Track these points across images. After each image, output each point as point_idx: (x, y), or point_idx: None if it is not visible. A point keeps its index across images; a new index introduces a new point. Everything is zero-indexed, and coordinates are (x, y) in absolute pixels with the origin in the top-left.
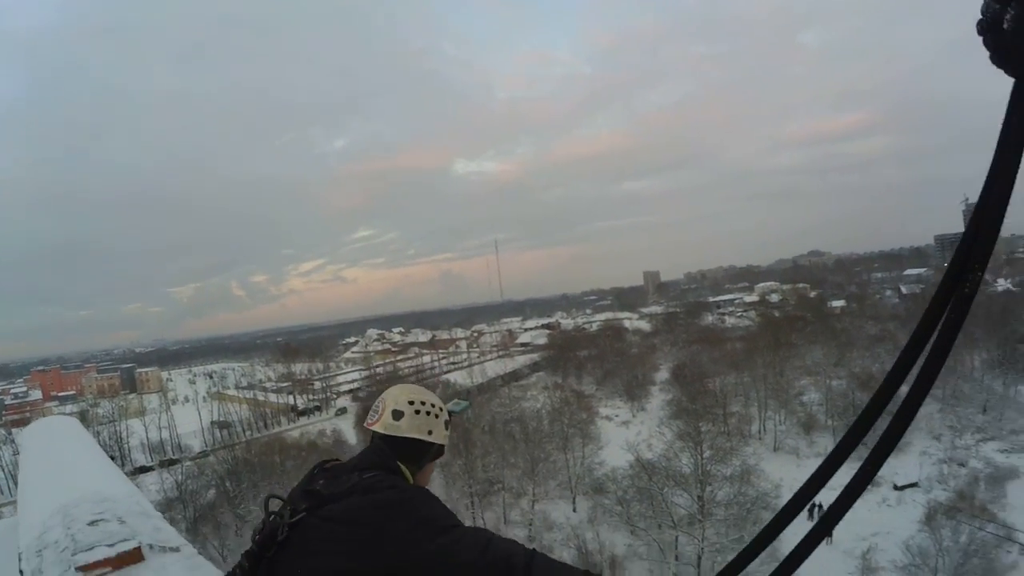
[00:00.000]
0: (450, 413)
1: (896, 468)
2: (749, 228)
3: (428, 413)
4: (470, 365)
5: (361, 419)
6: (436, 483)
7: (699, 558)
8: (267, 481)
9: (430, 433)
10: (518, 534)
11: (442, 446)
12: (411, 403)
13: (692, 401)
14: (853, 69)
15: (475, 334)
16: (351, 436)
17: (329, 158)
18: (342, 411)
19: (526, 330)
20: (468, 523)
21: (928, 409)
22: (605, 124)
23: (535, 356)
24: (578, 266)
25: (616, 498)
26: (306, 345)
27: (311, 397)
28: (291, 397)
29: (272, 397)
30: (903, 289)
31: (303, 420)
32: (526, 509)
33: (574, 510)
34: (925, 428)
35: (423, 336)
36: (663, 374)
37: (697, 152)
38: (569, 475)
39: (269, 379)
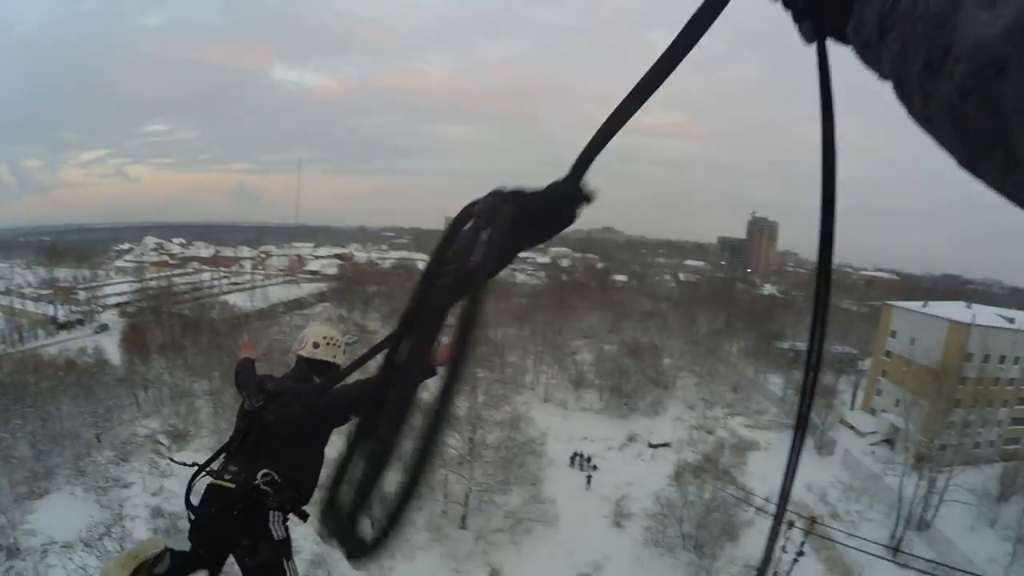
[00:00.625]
0: (347, 344)
1: (651, 428)
2: None
3: (335, 345)
4: (253, 288)
5: (128, 337)
6: (204, 411)
7: (467, 496)
8: (19, 405)
9: (335, 358)
10: None
11: (339, 365)
12: (324, 337)
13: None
14: (686, 77)
15: (262, 255)
16: (115, 355)
17: (138, 34)
18: (103, 328)
19: (317, 258)
20: None
21: (686, 381)
22: (439, 64)
23: (323, 286)
24: (380, 200)
25: None
26: (74, 248)
27: (74, 308)
28: (52, 307)
29: (31, 306)
30: (681, 276)
31: (63, 335)
32: None
33: None
34: (681, 397)
35: (206, 251)
36: (448, 319)
37: (518, 112)
38: None
39: (29, 284)
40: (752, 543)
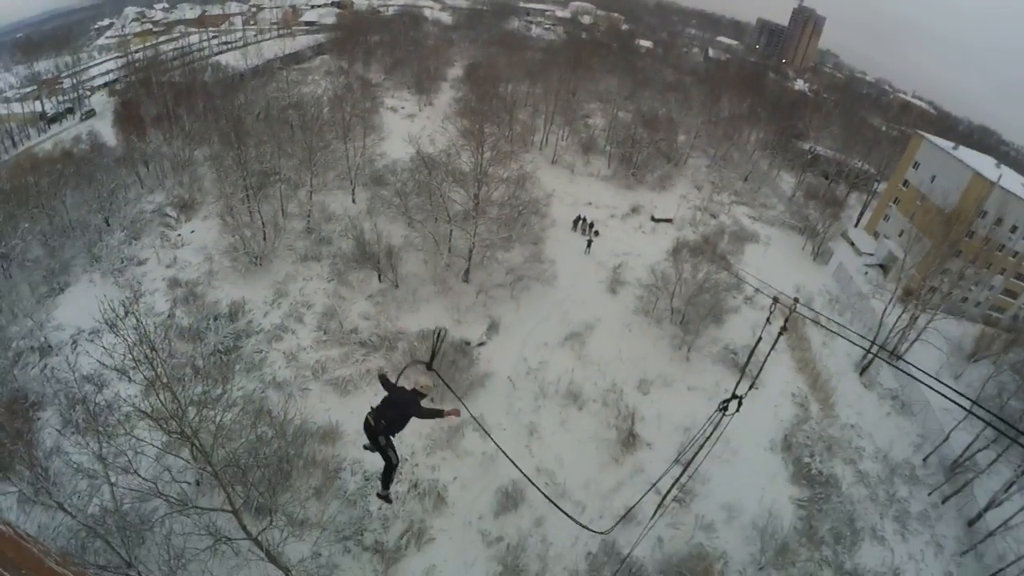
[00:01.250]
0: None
1: (656, 202)
2: None
3: (426, 388)
4: (245, 45)
5: (121, 115)
6: (207, 178)
7: (470, 251)
8: (23, 209)
9: (422, 388)
10: (296, 226)
11: (423, 395)
12: (423, 386)
13: (481, 102)
14: None
15: (253, 9)
16: (110, 137)
17: None
18: (90, 114)
19: (313, 7)
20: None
21: (698, 162)
22: None
23: (320, 37)
24: None
25: (395, 190)
26: (52, 36)
27: (61, 99)
28: (38, 103)
29: (16, 108)
30: (710, 52)
31: (55, 128)
32: (304, 200)
33: (353, 201)
34: (691, 176)
35: (191, 12)
36: (456, 71)
37: None
38: (349, 166)
39: (11, 87)
40: (735, 328)
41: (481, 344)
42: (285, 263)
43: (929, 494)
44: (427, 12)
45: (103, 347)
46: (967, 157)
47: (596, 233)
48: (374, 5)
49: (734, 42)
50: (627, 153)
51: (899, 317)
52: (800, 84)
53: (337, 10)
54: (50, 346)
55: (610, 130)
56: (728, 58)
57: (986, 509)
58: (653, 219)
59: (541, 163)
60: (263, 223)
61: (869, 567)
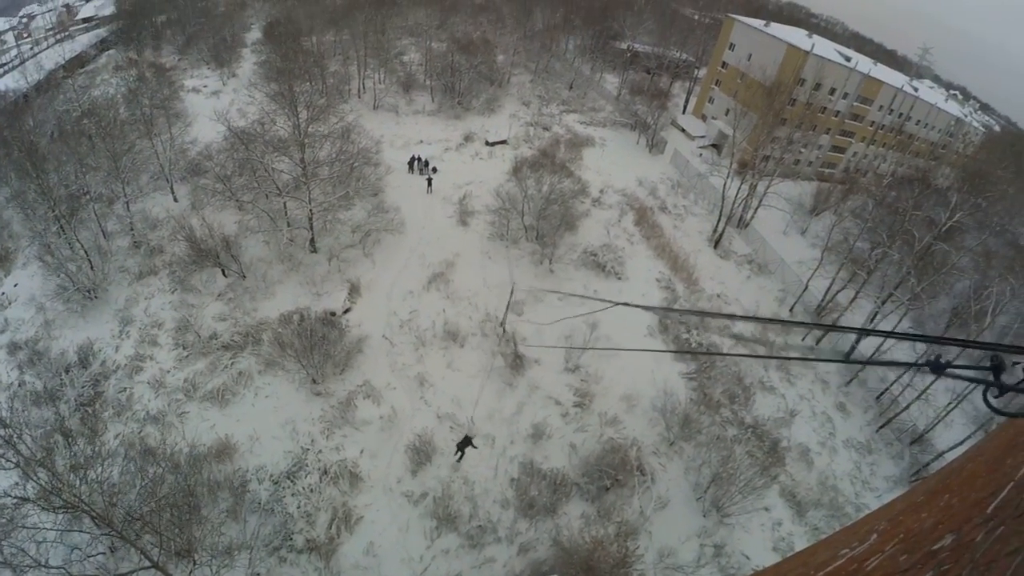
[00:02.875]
0: None
1: (487, 127)
2: None
3: None
4: (22, 63)
5: None
6: (15, 221)
7: (310, 219)
8: None
9: None
10: (121, 244)
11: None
12: None
13: (287, 61)
14: None
15: (24, 20)
16: None
17: None
18: None
19: (88, 1)
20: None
21: (521, 79)
22: None
23: (102, 32)
24: None
25: (216, 176)
26: None
27: None
28: None
29: None
30: None
31: None
32: (123, 214)
33: (175, 200)
34: (516, 95)
35: None
36: (255, 34)
37: None
38: (161, 163)
39: None
40: (589, 231)
41: (347, 311)
42: (121, 287)
43: (803, 339)
44: None
45: None
46: (779, 32)
47: (434, 170)
48: None
49: None
50: (449, 83)
51: (739, 188)
52: None
53: None
54: None
55: (427, 63)
56: None
57: (858, 341)
58: (487, 143)
59: (363, 111)
60: (85, 252)
61: (767, 416)
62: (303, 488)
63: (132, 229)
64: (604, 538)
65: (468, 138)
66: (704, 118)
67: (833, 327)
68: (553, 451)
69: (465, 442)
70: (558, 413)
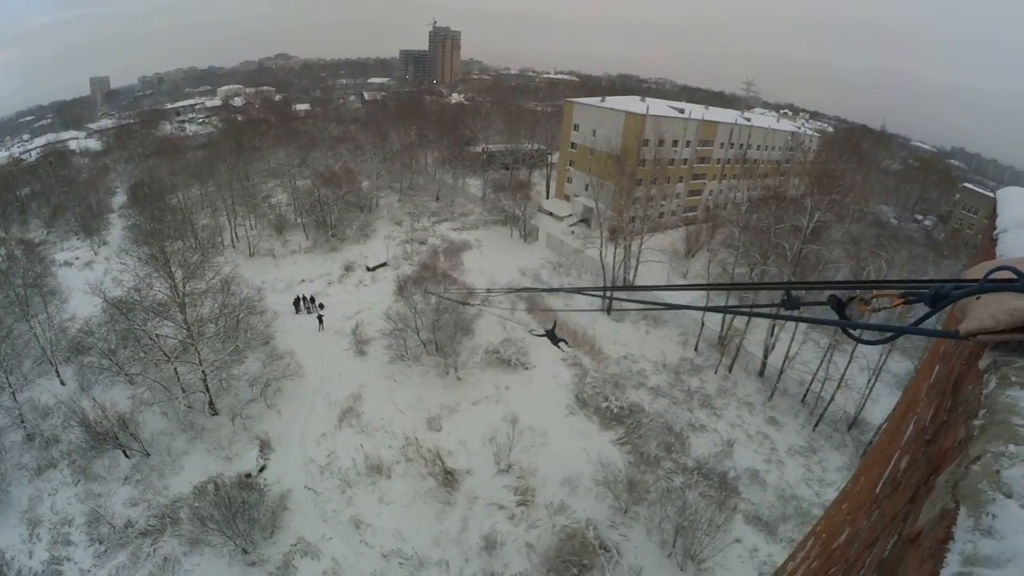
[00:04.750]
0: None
1: (365, 252)
2: (212, 24)
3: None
4: None
5: None
6: None
7: (204, 381)
8: None
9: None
10: (14, 439)
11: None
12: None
13: (155, 221)
14: None
15: None
16: None
17: None
18: None
19: None
20: None
21: (389, 200)
22: None
23: None
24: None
25: (100, 352)
26: None
27: None
28: None
29: None
30: (366, 95)
31: None
32: (10, 405)
33: (62, 383)
34: (387, 216)
35: None
36: (121, 198)
37: None
38: (42, 345)
39: None
40: (486, 330)
41: (262, 469)
42: (22, 486)
43: (715, 371)
44: (72, 144)
45: None
46: (615, 103)
47: (321, 306)
48: (15, 154)
49: (385, 79)
50: (320, 218)
51: (615, 253)
52: (456, 97)
53: None
54: None
55: (295, 201)
56: (384, 95)
57: (765, 357)
58: (368, 269)
59: (240, 260)
60: None
61: (707, 453)
62: None
63: (23, 421)
64: None
65: (348, 268)
66: (567, 198)
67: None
68: (511, 557)
69: (553, 336)
70: (504, 517)
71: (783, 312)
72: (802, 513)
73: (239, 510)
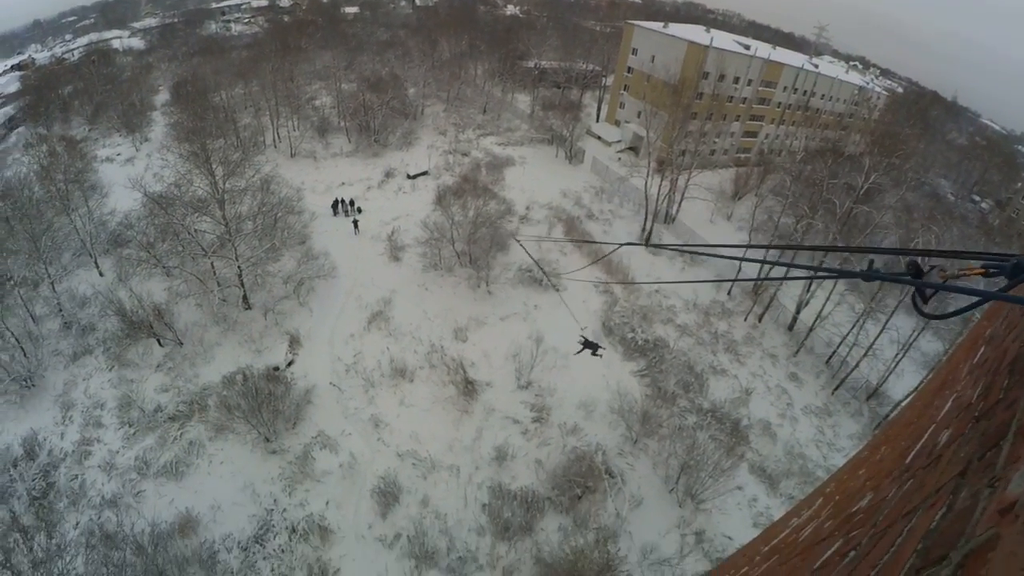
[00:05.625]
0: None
1: (407, 160)
2: None
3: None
4: None
5: None
6: None
7: (239, 276)
8: None
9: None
10: (52, 327)
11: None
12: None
13: (198, 119)
14: None
15: None
16: None
17: None
18: None
19: None
20: None
21: (434, 109)
22: None
23: (10, 110)
24: None
25: (139, 245)
26: None
27: None
28: None
29: None
30: (417, 1)
31: None
32: (49, 295)
33: (100, 274)
34: (432, 125)
35: None
36: (164, 96)
37: None
38: (81, 238)
39: None
40: (519, 250)
41: (290, 363)
42: (58, 372)
43: (745, 319)
44: (116, 43)
45: None
46: (678, 31)
47: (359, 210)
48: (58, 55)
49: None
50: (363, 122)
51: (660, 186)
52: (511, 8)
53: (20, 72)
54: None
55: (339, 105)
56: (436, 1)
57: (798, 312)
58: (409, 177)
59: (281, 160)
60: (16, 339)
61: (724, 398)
62: (274, 550)
63: (61, 310)
64: (585, 547)
65: (389, 174)
66: (618, 123)
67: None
68: (519, 470)
69: (592, 345)
70: (518, 431)
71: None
72: (806, 473)
73: (265, 401)
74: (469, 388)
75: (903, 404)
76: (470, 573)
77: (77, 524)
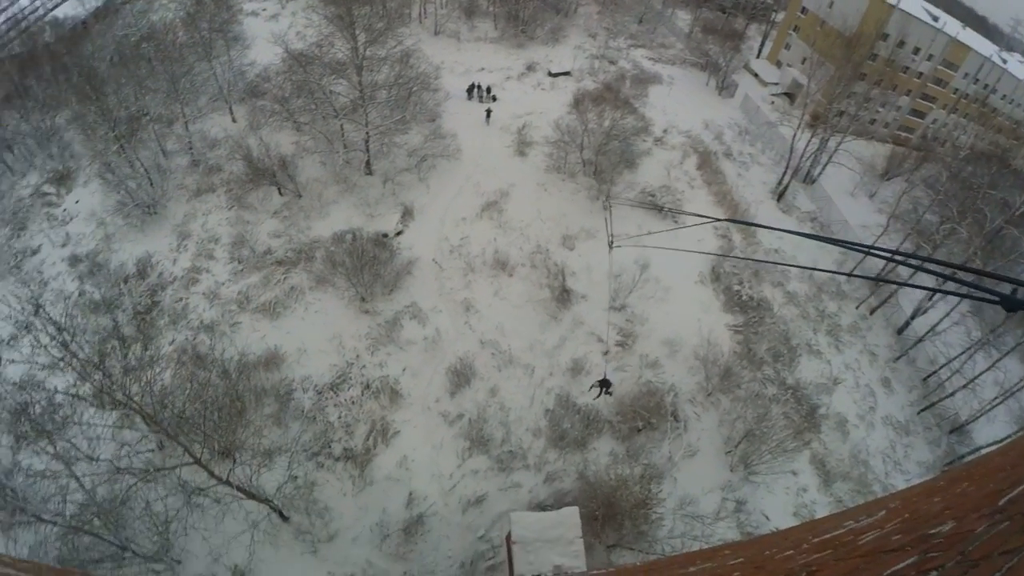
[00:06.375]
0: None
1: (551, 57)
2: None
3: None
4: None
5: None
6: (76, 142)
7: (366, 142)
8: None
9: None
10: (180, 163)
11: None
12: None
13: None
14: None
15: None
16: None
17: None
18: None
19: None
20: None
21: (588, 9)
22: None
23: None
24: None
25: (274, 98)
26: None
27: None
28: None
29: None
30: None
31: None
32: (182, 134)
33: (233, 120)
34: (583, 25)
35: None
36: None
37: None
38: (219, 85)
39: None
40: (649, 171)
41: (399, 233)
42: (180, 204)
43: (857, 307)
44: None
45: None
46: None
47: (494, 98)
48: None
49: None
50: (513, 11)
51: (809, 142)
52: None
53: None
54: None
55: None
56: None
57: (913, 317)
58: (550, 74)
59: (423, 36)
60: (145, 170)
61: (809, 380)
62: (345, 400)
63: (191, 148)
64: (629, 478)
65: (530, 67)
66: (779, 64)
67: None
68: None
69: (605, 384)
70: (599, 350)
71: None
72: (863, 483)
73: (368, 263)
74: (564, 296)
75: (988, 449)
76: (515, 468)
77: (172, 341)
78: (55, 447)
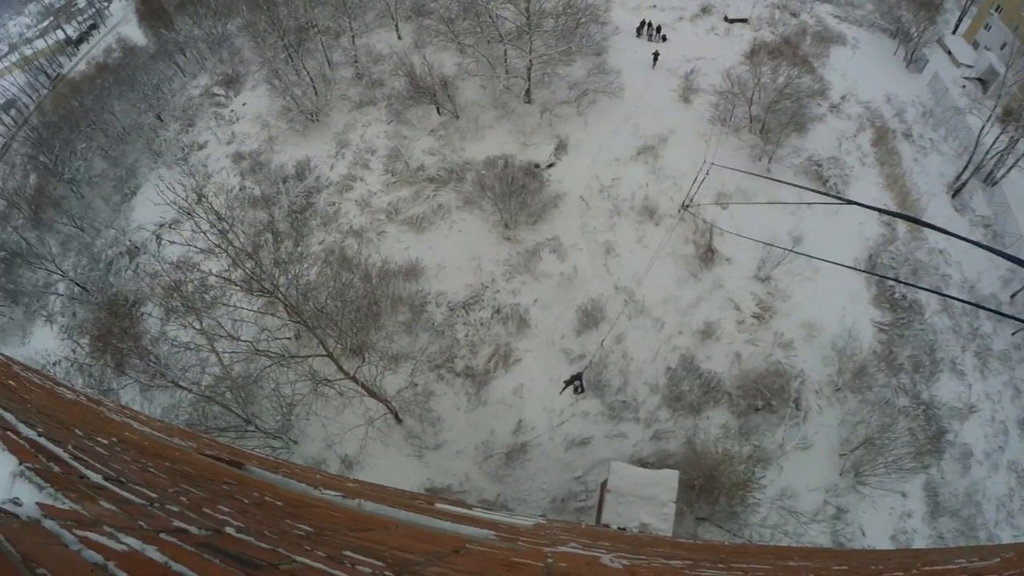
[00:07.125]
0: None
1: (729, 1)
2: None
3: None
4: None
5: (143, 12)
6: (246, 48)
7: (528, 70)
8: (76, 132)
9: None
10: (344, 75)
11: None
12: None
13: None
14: None
15: None
16: (139, 38)
17: None
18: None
19: None
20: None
21: None
22: None
23: None
24: None
25: (440, 18)
26: None
27: (82, 19)
28: (59, 31)
29: (40, 44)
30: None
31: (83, 49)
32: (348, 47)
33: (399, 37)
34: None
35: None
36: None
37: None
38: (387, 1)
39: (28, 27)
40: (819, 138)
41: (551, 165)
42: (341, 113)
43: (1013, 334)
44: None
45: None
46: None
47: (664, 38)
48: None
49: None
50: None
51: (997, 138)
52: None
53: None
54: (136, 247)
55: None
56: None
57: None
58: (727, 19)
59: None
60: (311, 79)
61: (944, 400)
62: (474, 320)
63: (356, 61)
64: (736, 455)
65: (705, 10)
66: (975, 45)
67: None
68: (717, 354)
69: (573, 379)
70: (734, 319)
71: None
72: (971, 526)
73: (517, 191)
74: (708, 255)
75: None
76: (625, 419)
77: (322, 241)
78: (201, 323)
